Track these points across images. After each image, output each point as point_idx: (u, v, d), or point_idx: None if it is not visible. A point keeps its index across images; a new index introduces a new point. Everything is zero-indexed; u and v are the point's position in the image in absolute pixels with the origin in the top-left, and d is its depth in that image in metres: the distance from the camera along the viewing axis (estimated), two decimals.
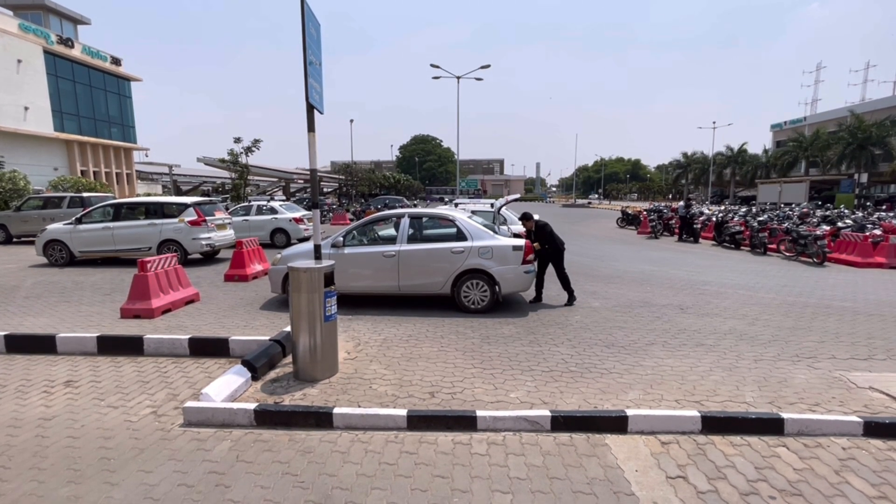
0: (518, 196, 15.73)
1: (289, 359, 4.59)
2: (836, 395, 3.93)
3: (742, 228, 15.69)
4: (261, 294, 7.84)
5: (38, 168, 25.44)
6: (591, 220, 31.37)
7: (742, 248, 15.31)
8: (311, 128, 4.47)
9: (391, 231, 7.13)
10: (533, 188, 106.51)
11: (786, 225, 14.67)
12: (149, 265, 6.44)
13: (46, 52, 26.99)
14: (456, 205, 12.92)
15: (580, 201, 65.91)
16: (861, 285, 9.02)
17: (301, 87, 4.30)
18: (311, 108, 4.41)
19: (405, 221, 6.83)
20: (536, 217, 7.40)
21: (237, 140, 27.82)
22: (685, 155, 63.65)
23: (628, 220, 24.44)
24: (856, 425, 3.33)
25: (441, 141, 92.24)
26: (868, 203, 32.59)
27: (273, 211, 15.42)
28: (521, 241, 6.66)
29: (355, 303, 6.97)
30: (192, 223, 10.60)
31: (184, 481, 2.81)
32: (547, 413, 3.41)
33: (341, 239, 6.86)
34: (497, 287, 6.51)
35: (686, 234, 17.88)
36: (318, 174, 5.10)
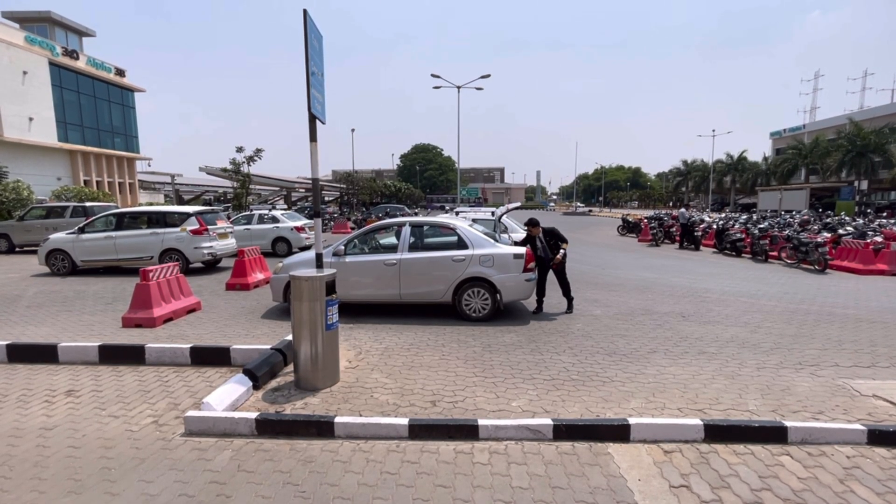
0: (519, 204, 15.81)
1: (290, 367, 4.58)
2: (839, 403, 3.91)
3: (743, 236, 15.70)
4: (262, 303, 7.84)
5: (42, 178, 25.58)
6: (591, 227, 31.41)
7: (743, 255, 15.30)
8: (313, 137, 4.51)
9: (392, 240, 7.15)
10: (533, 196, 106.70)
11: (787, 232, 14.68)
12: (150, 274, 6.46)
13: (52, 64, 27.26)
14: (457, 213, 12.96)
15: (581, 209, 66.01)
16: (863, 292, 9.00)
17: (303, 96, 4.34)
18: (313, 119, 4.45)
19: (406, 230, 6.85)
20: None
21: (239, 149, 27.95)
22: (685, 162, 63.85)
23: (629, 227, 24.48)
24: (860, 433, 3.32)
25: (442, 150, 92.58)
26: (869, 210, 32.62)
27: (274, 220, 15.47)
28: (522, 250, 6.67)
29: (356, 311, 6.97)
30: (194, 232, 10.64)
31: (185, 491, 2.80)
32: (549, 422, 3.40)
33: (343, 247, 6.88)
34: (498, 295, 6.51)
35: (687, 242, 17.89)
36: (320, 183, 5.14)
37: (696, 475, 2.94)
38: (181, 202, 41.35)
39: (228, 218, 14.40)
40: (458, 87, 29.18)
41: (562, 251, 7.03)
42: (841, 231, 14.80)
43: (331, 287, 4.14)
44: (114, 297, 8.38)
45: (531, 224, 7.10)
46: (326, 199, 56.53)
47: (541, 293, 7.18)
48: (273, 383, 4.34)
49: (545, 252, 7.08)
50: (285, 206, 34.68)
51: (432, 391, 4.16)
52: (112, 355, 5.00)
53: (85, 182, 28.77)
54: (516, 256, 6.56)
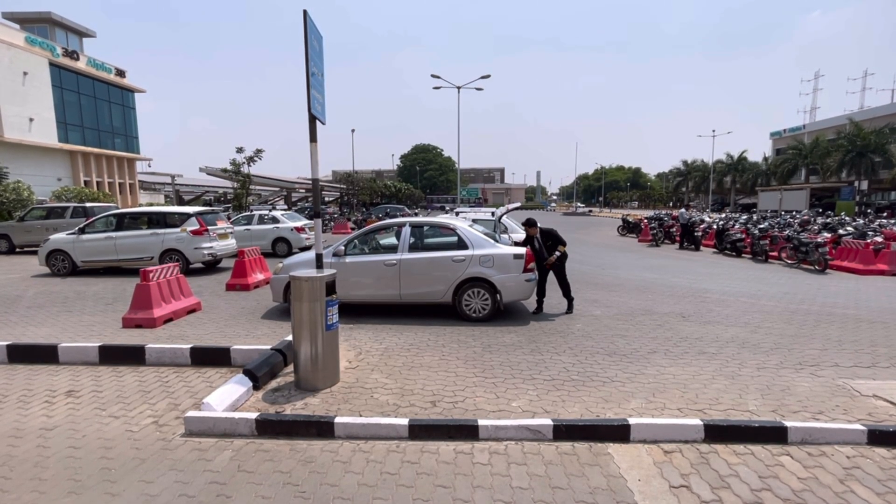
0: (519, 204, 15.77)
1: (290, 368, 4.58)
2: (839, 404, 3.91)
3: (743, 236, 15.69)
4: (262, 303, 7.84)
5: (42, 178, 25.60)
6: (592, 227, 31.41)
7: (743, 255, 15.30)
8: (313, 138, 4.51)
9: (392, 240, 7.16)
10: (534, 196, 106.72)
11: (787, 232, 14.68)
12: (151, 275, 6.47)
13: (52, 65, 27.29)
14: (457, 213, 12.96)
15: (581, 209, 66.04)
16: (863, 292, 9.00)
17: (303, 96, 4.34)
18: (313, 119, 4.45)
19: (406, 230, 6.86)
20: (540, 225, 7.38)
21: (239, 150, 28.01)
22: (685, 163, 63.79)
23: (629, 227, 24.47)
24: (860, 433, 3.32)
25: (442, 150, 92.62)
26: (869, 210, 32.59)
27: (274, 220, 15.47)
28: (522, 250, 6.67)
29: (356, 311, 6.97)
30: (194, 233, 10.64)
31: (185, 491, 2.80)
32: (549, 422, 3.40)
33: (343, 248, 6.88)
34: (498, 295, 6.51)
35: (687, 242, 17.89)
36: (320, 183, 5.14)
37: (696, 475, 2.94)
38: (181, 203, 41.38)
39: (228, 218, 14.40)
40: (458, 88, 29.20)
41: (557, 252, 7.04)
42: (841, 231, 14.80)
43: (331, 287, 4.15)
44: (114, 297, 8.38)
45: (528, 224, 7.10)
46: (326, 199, 56.56)
47: (541, 293, 7.18)
48: (273, 384, 4.34)
49: (542, 252, 7.09)
50: (285, 207, 34.69)
51: (432, 391, 4.16)
52: (112, 356, 5.00)
53: (85, 182, 28.79)
54: (516, 257, 6.56)
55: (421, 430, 3.40)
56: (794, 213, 28.08)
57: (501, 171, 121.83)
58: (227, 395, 3.80)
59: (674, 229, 19.70)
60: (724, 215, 31.34)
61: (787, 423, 3.38)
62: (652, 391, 4.16)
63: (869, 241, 12.20)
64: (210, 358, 4.92)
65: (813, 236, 13.04)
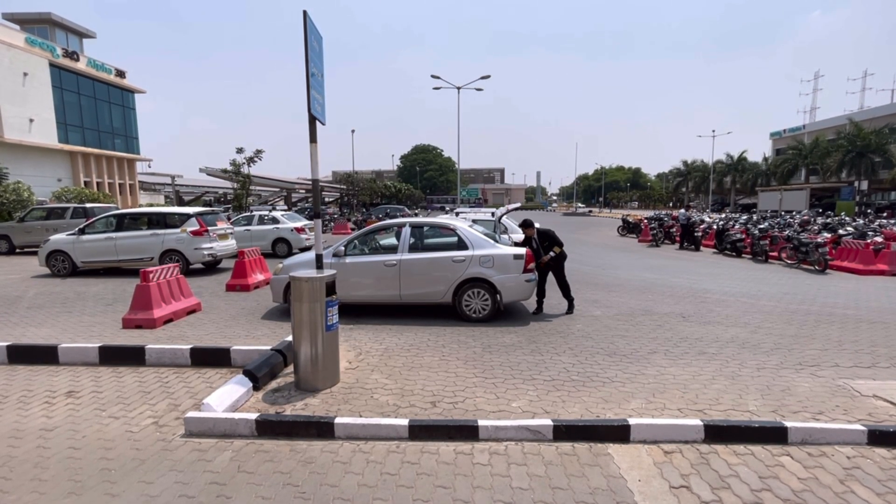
0: (519, 205, 15.77)
1: (290, 368, 4.59)
2: (839, 404, 3.91)
3: (743, 236, 15.70)
4: (262, 304, 7.84)
5: (42, 179, 25.62)
6: (592, 228, 31.42)
7: (743, 255, 15.30)
8: (312, 138, 4.51)
9: (392, 240, 7.16)
10: (534, 197, 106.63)
11: (787, 232, 14.69)
12: (151, 275, 6.47)
13: (52, 66, 27.32)
14: (457, 214, 12.96)
15: (581, 209, 66.08)
16: (863, 293, 9.00)
17: (303, 96, 4.34)
18: (312, 120, 4.45)
19: (406, 231, 6.86)
20: (537, 225, 7.39)
21: (239, 150, 28.03)
22: (685, 163, 63.78)
23: (629, 228, 24.49)
24: (860, 434, 3.31)
25: (442, 150, 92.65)
26: (869, 210, 32.58)
27: (275, 221, 15.48)
28: (522, 250, 6.67)
29: (356, 312, 6.98)
30: (195, 233, 10.65)
31: (185, 492, 2.80)
32: (549, 422, 3.40)
33: (343, 248, 6.89)
34: (498, 296, 6.51)
35: (687, 242, 17.90)
36: (320, 184, 5.14)
37: (696, 476, 2.94)
38: (181, 203, 41.37)
39: (228, 219, 14.40)
40: (458, 88, 29.21)
41: (552, 252, 7.05)
42: (841, 231, 14.80)
43: (331, 288, 4.15)
44: (114, 298, 8.38)
45: (525, 225, 7.12)
46: (326, 199, 56.56)
47: (541, 294, 7.18)
48: (273, 384, 4.34)
49: (539, 253, 7.10)
50: (285, 207, 34.69)
51: (432, 392, 4.16)
52: (112, 356, 5.00)
53: (85, 183, 28.80)
54: (516, 257, 6.56)
55: (421, 431, 3.40)
56: (794, 213, 28.07)
57: (501, 171, 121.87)
58: (227, 396, 3.80)
59: (674, 229, 19.71)
60: (723, 215, 31.35)
61: (788, 424, 3.38)
62: (652, 391, 4.16)
63: (869, 241, 12.20)
64: (210, 358, 4.92)
65: (813, 236, 13.04)
